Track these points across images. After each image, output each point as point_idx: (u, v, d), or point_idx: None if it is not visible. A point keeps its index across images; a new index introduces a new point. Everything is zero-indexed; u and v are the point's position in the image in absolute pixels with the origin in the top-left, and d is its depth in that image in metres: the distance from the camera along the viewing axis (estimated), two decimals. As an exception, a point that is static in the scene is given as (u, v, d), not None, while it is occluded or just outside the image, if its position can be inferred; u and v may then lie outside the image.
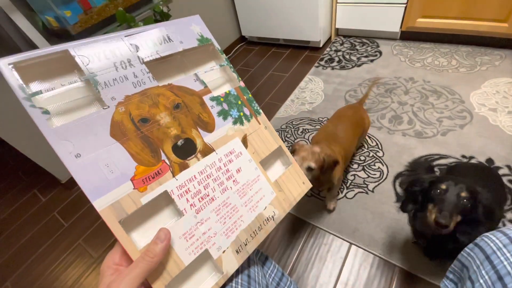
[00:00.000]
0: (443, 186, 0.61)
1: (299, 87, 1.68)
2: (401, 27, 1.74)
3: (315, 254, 0.93)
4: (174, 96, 0.34)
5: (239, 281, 0.37)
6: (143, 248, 0.29)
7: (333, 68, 1.75)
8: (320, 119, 1.43)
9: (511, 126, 1.15)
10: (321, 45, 1.95)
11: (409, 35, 1.80)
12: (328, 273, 0.88)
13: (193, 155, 0.34)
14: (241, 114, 0.40)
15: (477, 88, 1.36)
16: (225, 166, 0.36)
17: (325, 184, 0.90)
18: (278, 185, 0.41)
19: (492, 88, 1.34)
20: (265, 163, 0.41)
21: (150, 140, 0.31)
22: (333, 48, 1.94)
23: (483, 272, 0.34)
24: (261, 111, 0.43)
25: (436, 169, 1.06)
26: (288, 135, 1.38)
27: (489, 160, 1.05)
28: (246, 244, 0.36)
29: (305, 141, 1.32)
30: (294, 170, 0.43)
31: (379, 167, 1.12)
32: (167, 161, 0.32)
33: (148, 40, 0.33)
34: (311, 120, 1.43)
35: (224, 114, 0.38)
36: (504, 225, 0.87)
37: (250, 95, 0.42)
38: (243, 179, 0.37)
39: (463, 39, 1.64)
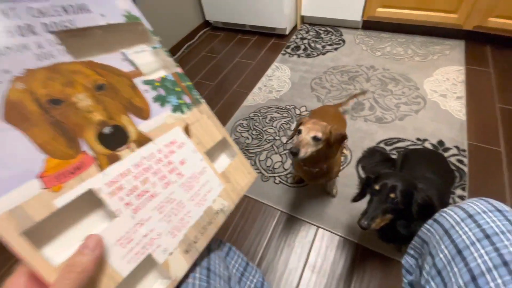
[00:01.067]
0: (377, 187, 0.66)
1: (266, 74, 1.66)
2: (362, 16, 1.79)
3: (284, 240, 0.94)
4: (96, 75, 0.28)
5: (197, 275, 0.34)
6: (63, 263, 0.23)
7: (299, 56, 1.76)
8: (287, 107, 1.42)
9: (458, 111, 1.25)
10: (287, 33, 1.94)
11: (370, 25, 1.85)
12: (297, 257, 0.90)
13: (125, 145, 0.29)
14: (181, 102, 0.36)
15: (430, 75, 1.46)
16: (166, 158, 0.32)
17: (322, 177, 0.87)
18: (226, 176, 0.39)
19: (443, 76, 1.44)
20: (211, 154, 0.39)
21: (65, 126, 0.25)
22: (299, 36, 1.93)
23: (442, 246, 0.35)
24: (202, 100, 0.39)
25: (394, 152, 1.12)
26: (256, 124, 1.36)
27: (440, 142, 1.13)
28: (195, 242, 0.33)
29: (273, 128, 1.32)
30: (240, 160, 0.42)
31: (343, 152, 1.16)
32: (90, 152, 0.26)
33: (58, 6, 0.26)
34: (278, 108, 1.43)
35: (161, 100, 0.34)
36: (453, 201, 0.95)
37: (189, 83, 0.38)
38: (188, 171, 0.34)
39: (418, 29, 1.73)
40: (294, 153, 0.69)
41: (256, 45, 1.93)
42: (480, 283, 0.29)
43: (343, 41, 1.82)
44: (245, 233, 0.97)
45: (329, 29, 1.95)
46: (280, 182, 1.10)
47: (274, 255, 0.91)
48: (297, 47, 1.83)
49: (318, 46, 1.81)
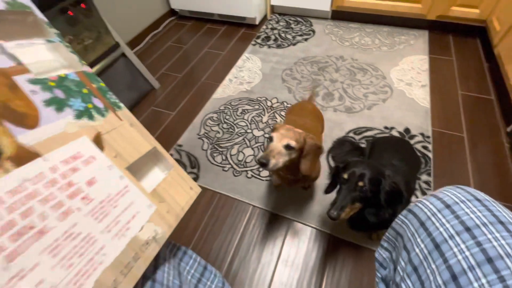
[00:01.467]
0: (345, 176, 0.64)
1: (236, 66, 1.60)
2: (331, 6, 1.78)
3: (256, 235, 0.91)
4: None
5: None
6: None
7: (269, 47, 1.72)
8: (259, 98, 1.39)
9: (423, 98, 1.29)
10: (257, 23, 1.89)
11: (339, 15, 1.86)
12: (270, 252, 0.87)
13: None
14: (89, 106, 0.29)
15: (396, 65, 1.49)
16: (64, 178, 0.25)
17: (300, 183, 0.83)
18: (158, 195, 0.31)
19: (408, 65, 1.48)
20: (137, 169, 0.32)
21: None
22: (269, 26, 1.89)
23: (418, 240, 0.32)
24: (121, 105, 0.32)
25: (363, 141, 1.13)
26: (227, 117, 1.31)
27: (407, 130, 1.16)
28: None
29: (244, 121, 1.28)
30: (177, 174, 0.35)
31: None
32: None
33: None
34: (250, 100, 1.38)
35: (57, 103, 0.27)
36: (420, 186, 0.98)
37: (102, 84, 0.32)
38: (101, 194, 0.27)
39: (384, 19, 1.76)
40: (262, 163, 0.62)
41: (225, 35, 1.86)
42: (462, 283, 0.25)
43: (313, 31, 1.80)
44: (215, 232, 0.93)
45: (299, 19, 1.93)
46: (252, 176, 1.07)
47: (247, 252, 0.88)
48: (268, 38, 1.79)
49: (289, 36, 1.78)
